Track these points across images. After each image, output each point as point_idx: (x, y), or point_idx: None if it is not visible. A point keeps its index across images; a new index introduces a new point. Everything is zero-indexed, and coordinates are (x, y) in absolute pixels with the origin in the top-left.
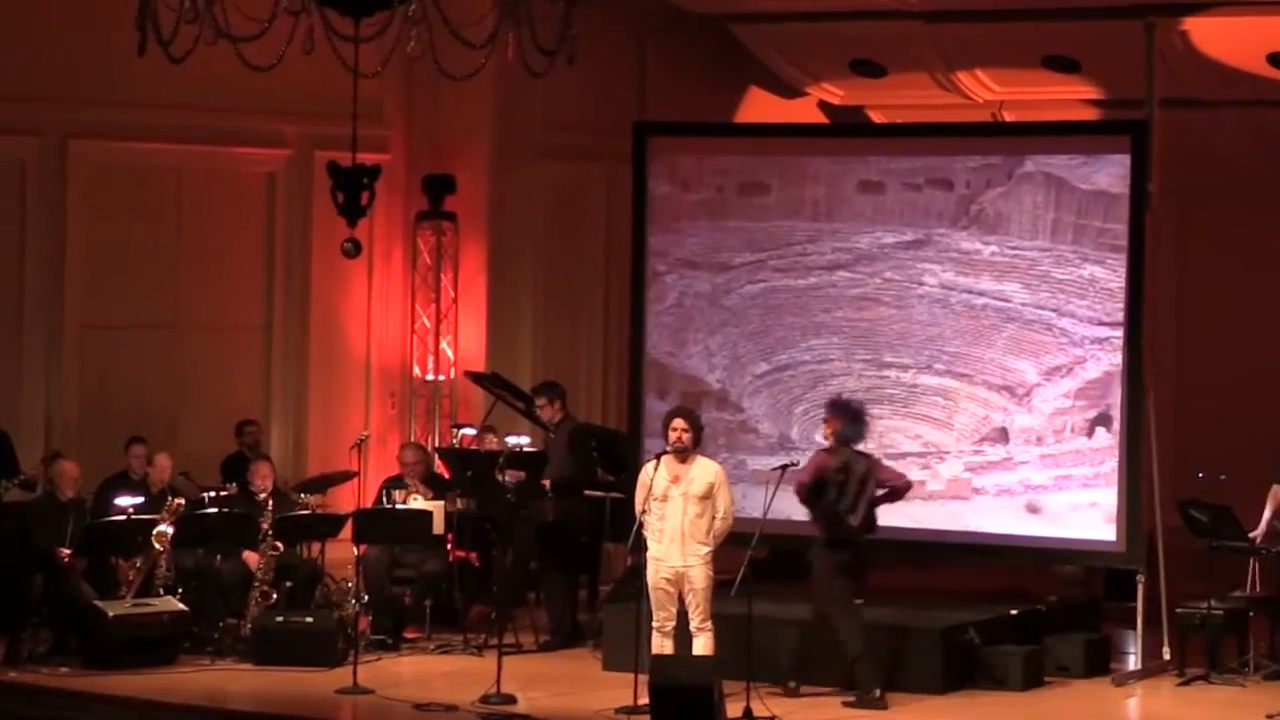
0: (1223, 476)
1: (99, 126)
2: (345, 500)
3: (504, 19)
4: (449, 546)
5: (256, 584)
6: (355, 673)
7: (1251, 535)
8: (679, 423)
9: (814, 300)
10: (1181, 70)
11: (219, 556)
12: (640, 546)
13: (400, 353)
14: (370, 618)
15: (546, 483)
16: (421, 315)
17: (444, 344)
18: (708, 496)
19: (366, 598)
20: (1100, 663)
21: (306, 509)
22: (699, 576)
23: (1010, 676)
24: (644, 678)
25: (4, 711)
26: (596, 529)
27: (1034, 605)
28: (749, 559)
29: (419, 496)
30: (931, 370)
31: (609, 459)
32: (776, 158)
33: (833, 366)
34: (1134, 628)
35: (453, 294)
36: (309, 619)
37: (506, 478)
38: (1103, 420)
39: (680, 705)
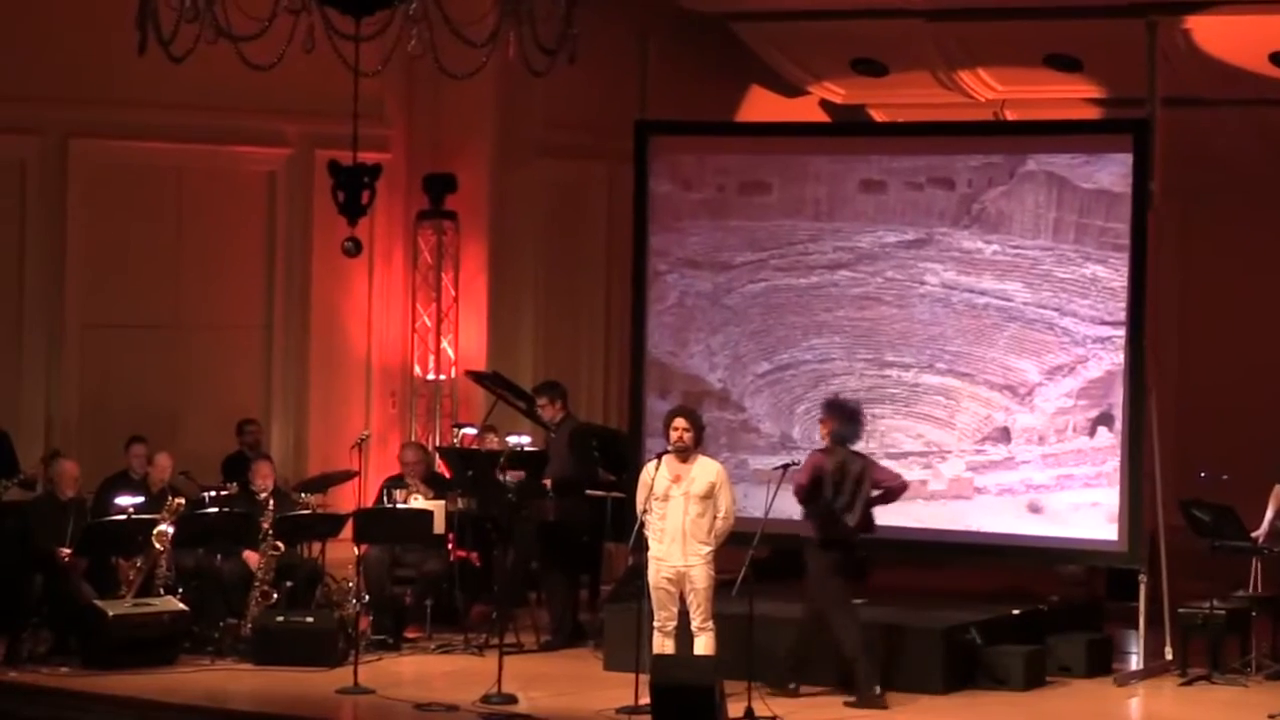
0: (1225, 476)
1: (99, 126)
2: (346, 500)
3: (505, 17)
4: (450, 546)
5: (257, 584)
6: (356, 673)
7: (1254, 535)
8: (680, 422)
9: (815, 299)
10: (1184, 69)
11: (219, 556)
12: (641, 546)
13: (401, 352)
14: (371, 617)
15: (547, 482)
16: (422, 314)
17: (445, 343)
18: (709, 496)
19: (367, 597)
20: (1102, 663)
21: (307, 509)
22: (700, 576)
23: (1012, 676)
24: (645, 678)
25: (4, 711)
26: (597, 529)
27: (1036, 605)
28: (750, 559)
29: (420, 496)
30: (933, 370)
31: (610, 459)
32: (778, 157)
33: (834, 366)
34: (1136, 628)
35: (453, 293)
36: (309, 619)
37: (507, 477)
38: (1105, 420)
39: (681, 705)
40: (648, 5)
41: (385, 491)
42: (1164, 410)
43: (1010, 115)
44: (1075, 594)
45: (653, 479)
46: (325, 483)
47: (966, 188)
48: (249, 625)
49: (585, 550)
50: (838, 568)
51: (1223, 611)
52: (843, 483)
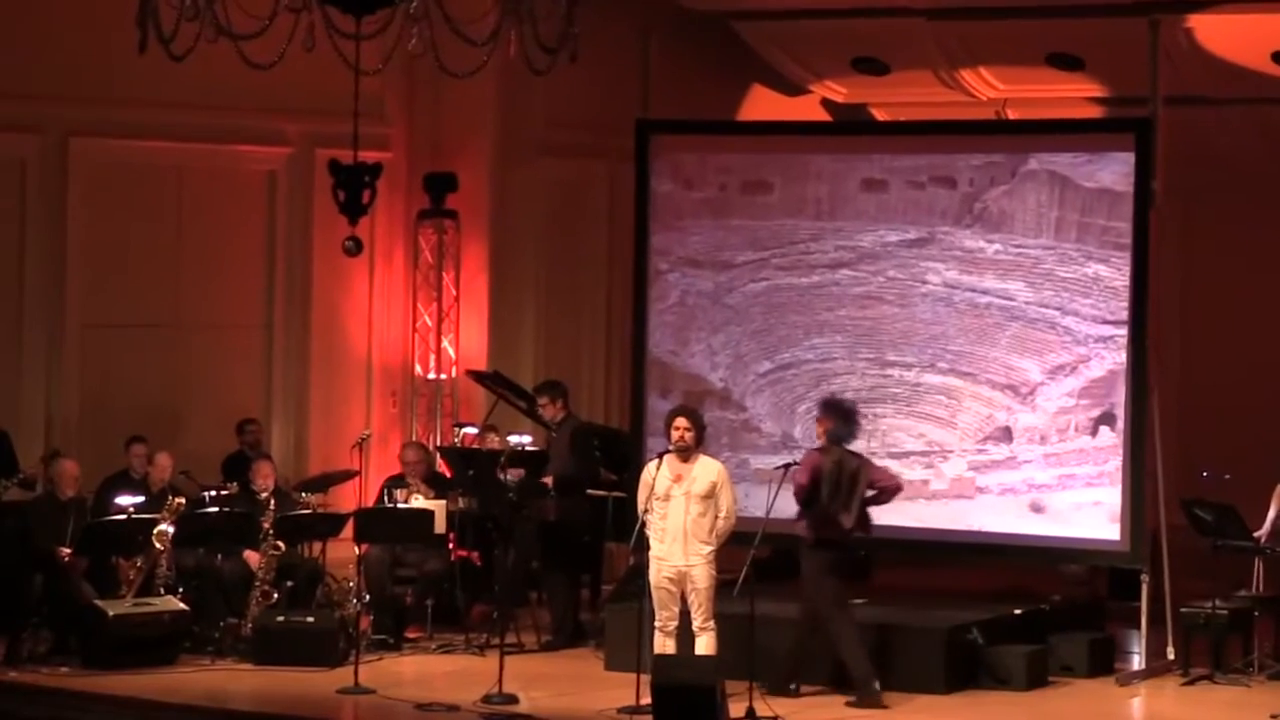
0: (1227, 475)
1: (100, 124)
2: (346, 499)
3: (506, 16)
4: (450, 546)
5: (257, 583)
6: (356, 673)
7: (1256, 534)
8: (681, 422)
9: (817, 299)
10: (1186, 68)
11: (220, 556)
12: (642, 546)
13: (402, 351)
14: (371, 617)
15: (548, 480)
16: (423, 314)
17: (445, 343)
18: (710, 496)
19: (368, 597)
20: (1104, 662)
21: (308, 508)
22: (701, 576)
23: (1014, 676)
24: (646, 678)
25: (4, 711)
26: (599, 528)
27: (1038, 605)
28: (751, 558)
29: (420, 496)
30: (935, 369)
31: (611, 458)
32: (779, 156)
33: (836, 365)
34: (1138, 627)
35: (454, 292)
36: (310, 619)
37: (508, 475)
38: (1107, 419)
39: (683, 705)
40: (649, 4)
41: (386, 491)
42: (1166, 409)
43: (1012, 114)
44: (1077, 593)
45: (654, 478)
46: (326, 482)
47: (968, 187)
48: (249, 625)
49: (586, 550)
50: (832, 568)
51: (1225, 611)
52: (839, 482)
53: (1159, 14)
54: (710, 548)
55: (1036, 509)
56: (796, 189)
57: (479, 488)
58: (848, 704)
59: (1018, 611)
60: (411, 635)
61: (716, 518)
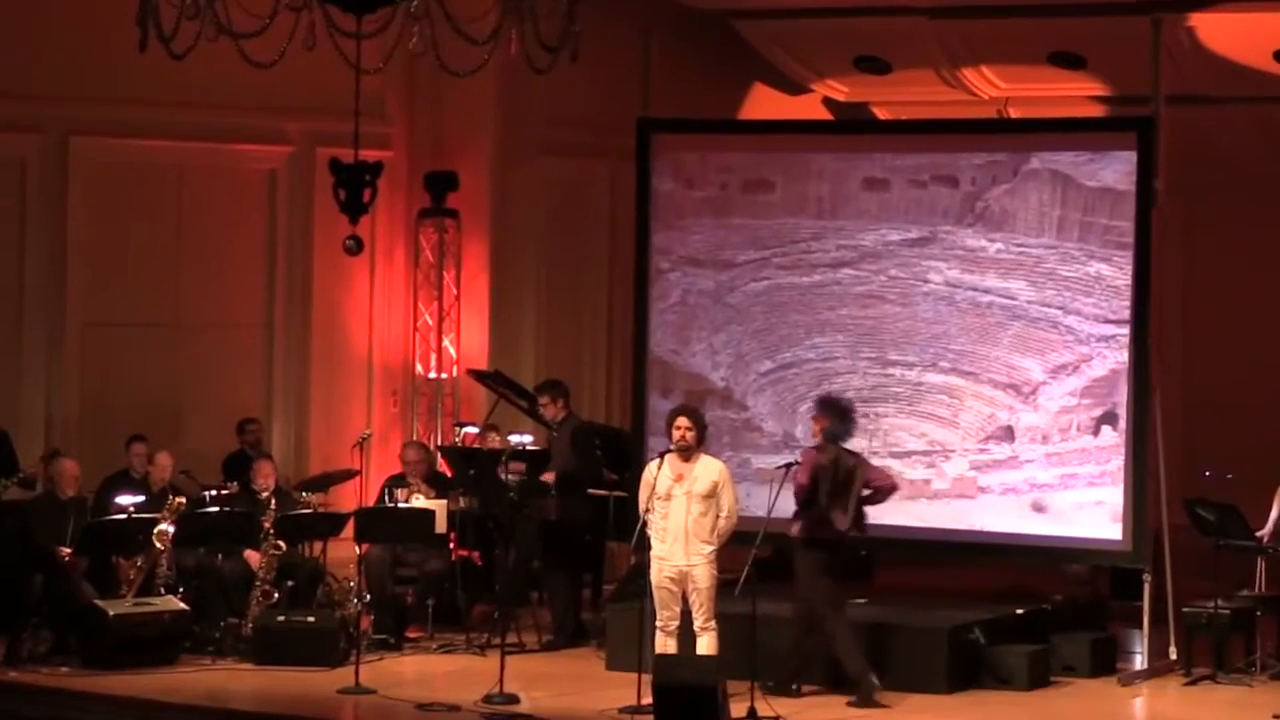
0: (1229, 475)
1: (100, 123)
2: (347, 499)
3: (507, 15)
4: (451, 545)
5: (258, 583)
6: (357, 672)
7: (1259, 534)
8: (682, 421)
9: (818, 298)
10: (1188, 67)
11: (220, 555)
12: (644, 545)
13: (402, 350)
14: (372, 617)
15: (549, 477)
16: (424, 313)
17: (446, 342)
18: (711, 495)
19: (368, 597)
20: (1106, 662)
21: (308, 508)
22: (702, 575)
23: (1016, 676)
24: (647, 677)
25: (4, 711)
26: (600, 528)
27: (1040, 604)
28: (753, 558)
29: (421, 495)
30: (937, 368)
31: (612, 457)
32: (781, 155)
33: (837, 364)
34: (1140, 627)
35: (455, 291)
36: (311, 618)
37: (509, 470)
38: (1109, 418)
39: (684, 705)
40: (650, 2)
41: (387, 490)
42: (1168, 409)
43: (1014, 113)
44: (1079, 593)
45: (655, 478)
46: (326, 482)
47: (970, 186)
48: (250, 625)
49: (587, 549)
50: (826, 568)
51: (1227, 611)
52: (836, 481)
53: (1161, 13)
54: (711, 547)
55: (1038, 508)
56: (798, 188)
57: (480, 487)
58: (849, 704)
59: (1020, 611)
60: (412, 635)
61: (718, 517)
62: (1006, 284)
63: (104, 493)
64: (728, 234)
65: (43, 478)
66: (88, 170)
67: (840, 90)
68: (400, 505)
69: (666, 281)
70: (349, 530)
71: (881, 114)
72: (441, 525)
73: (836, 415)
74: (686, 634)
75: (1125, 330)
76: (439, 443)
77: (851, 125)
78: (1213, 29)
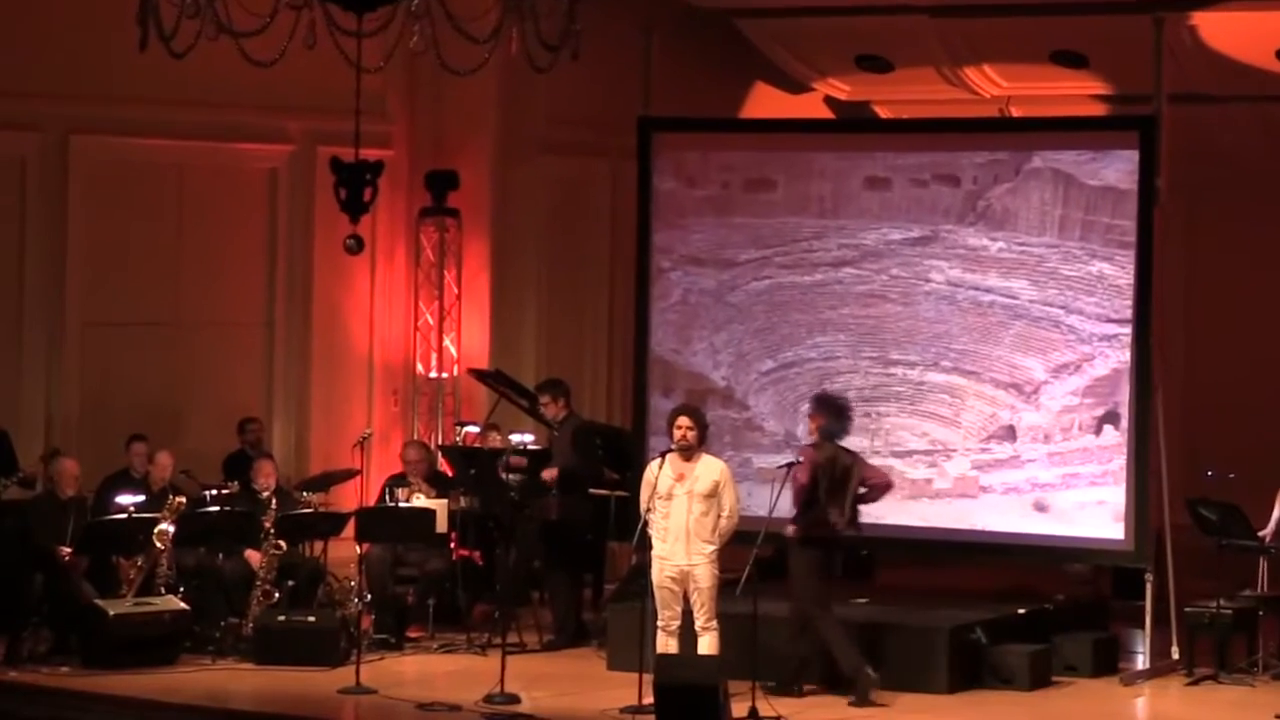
0: (1232, 475)
1: (100, 122)
2: (348, 498)
3: (508, 13)
4: (452, 545)
5: (258, 583)
6: (358, 672)
7: (1261, 534)
8: (684, 420)
9: (820, 297)
10: (1190, 65)
11: (221, 555)
12: (645, 545)
13: (403, 350)
14: (373, 617)
15: (549, 474)
16: (424, 312)
17: (447, 341)
18: (713, 495)
19: (369, 597)
20: (1108, 662)
21: (309, 507)
22: (704, 575)
23: (1018, 676)
24: (649, 677)
25: (4, 711)
26: (601, 527)
27: (1041, 604)
28: (754, 557)
29: (422, 495)
30: (938, 367)
31: (613, 457)
32: (782, 153)
33: (839, 364)
34: (1142, 627)
35: (456, 290)
36: (311, 618)
37: (510, 464)
38: (1111, 418)
39: (685, 705)
40: (651, 1)
41: (387, 490)
42: (1170, 408)
43: (1016, 112)
44: (1081, 593)
45: (656, 477)
46: (327, 481)
47: (972, 185)
48: (250, 625)
49: (588, 549)
50: (818, 567)
51: (1229, 611)
52: (833, 479)
53: (1163, 11)
54: (713, 547)
55: (1040, 508)
56: (799, 187)
57: (481, 487)
58: (849, 703)
59: (1021, 611)
60: (413, 635)
61: (719, 517)
62: (1008, 283)
63: (104, 492)
64: (729, 233)
65: (43, 477)
66: (88, 169)
67: (842, 89)
68: (401, 505)
69: (668, 280)
70: (350, 530)
71: (883, 113)
72: (442, 525)
73: (832, 413)
74: (688, 634)
75: (1127, 329)
76: (440, 442)
77: (853, 124)
78: (1215, 27)
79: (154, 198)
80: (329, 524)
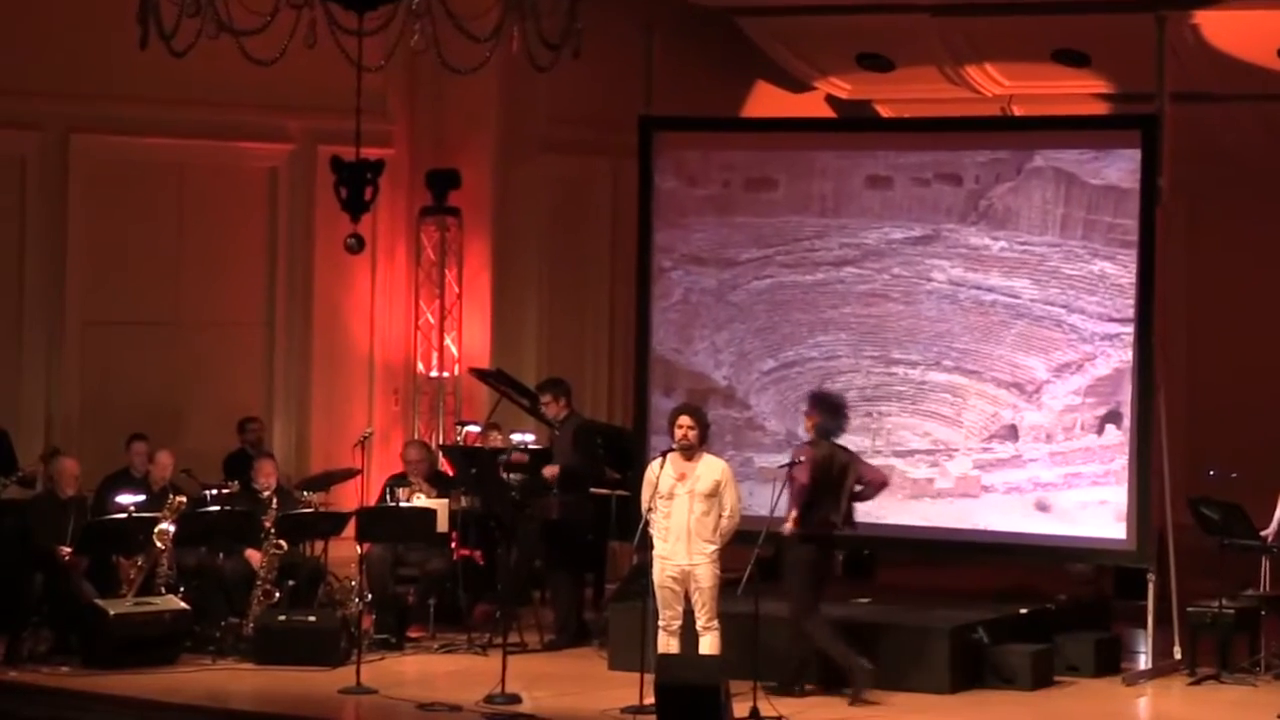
0: (1234, 474)
1: (100, 121)
2: (348, 498)
3: (509, 12)
4: (453, 545)
5: (259, 583)
6: (358, 672)
7: (1263, 533)
8: (685, 420)
9: (821, 296)
10: (1192, 64)
11: (221, 555)
12: (646, 545)
13: (404, 349)
14: (374, 617)
15: (549, 471)
16: (425, 311)
17: (448, 340)
18: (714, 494)
19: (370, 596)
20: (1110, 662)
21: (309, 507)
22: (705, 575)
23: (1019, 676)
24: (650, 677)
25: (4, 711)
26: (602, 527)
27: (1043, 604)
28: (756, 557)
29: (423, 494)
30: (940, 367)
31: (615, 456)
32: (783, 152)
33: (840, 363)
34: (1144, 627)
35: (457, 290)
36: (312, 618)
37: (511, 456)
38: (1113, 417)
39: (686, 705)
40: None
41: (388, 490)
42: (1172, 408)
43: (1018, 111)
44: (1083, 593)
45: (657, 477)
46: (328, 481)
47: (974, 184)
48: (251, 624)
49: (590, 549)
50: (813, 566)
51: (1232, 610)
52: (830, 477)
53: (1165, 10)
54: (714, 547)
55: (1042, 508)
56: (801, 186)
57: (482, 486)
58: (850, 703)
59: (1023, 611)
60: (414, 635)
61: (720, 516)
62: (1010, 282)
63: (104, 492)
64: (730, 232)
65: (42, 477)
66: (88, 168)
67: (843, 88)
68: (402, 504)
69: (669, 280)
70: (350, 529)
71: (885, 112)
72: (443, 524)
73: (828, 411)
74: (689, 634)
75: (1129, 329)
76: (440, 441)
77: (854, 123)
78: (1217, 26)
79: (154, 197)
80: (329, 523)
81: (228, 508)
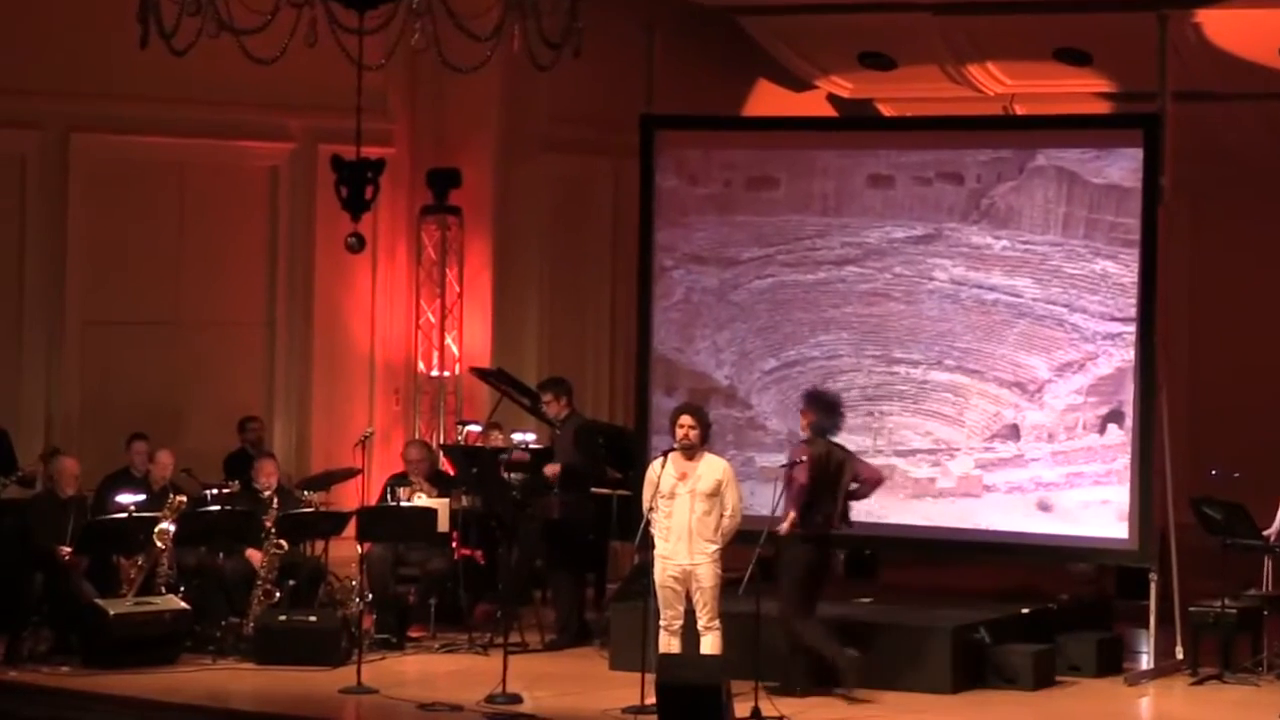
0: (1236, 474)
1: (100, 120)
2: (349, 498)
3: (509, 11)
4: (454, 544)
5: (259, 582)
6: (359, 672)
7: (1265, 533)
8: (686, 419)
9: (823, 295)
10: (1194, 63)
11: (221, 554)
12: (647, 544)
13: (405, 348)
14: (374, 616)
15: (550, 469)
16: (426, 310)
17: (449, 340)
18: (715, 494)
19: (370, 596)
20: (1112, 662)
21: (310, 506)
22: (706, 575)
23: (1021, 676)
24: (651, 677)
25: (4, 711)
26: (603, 527)
27: (1045, 604)
28: (757, 557)
29: (423, 494)
30: (942, 366)
31: (616, 456)
32: (785, 151)
33: (842, 362)
34: (1146, 627)
35: (457, 289)
36: (312, 618)
37: (512, 460)
38: (1115, 417)
39: (688, 705)
40: None
41: (389, 489)
42: (1175, 407)
43: (1019, 110)
44: (1085, 592)
45: (659, 476)
46: (328, 480)
47: (975, 183)
48: (251, 624)
49: (591, 548)
50: (808, 567)
51: (1234, 610)
52: (826, 476)
53: (1167, 9)
54: (715, 546)
55: (1044, 507)
56: (802, 185)
57: (482, 486)
58: (846, 697)
59: (1025, 611)
60: (414, 634)
61: (722, 516)
62: (1012, 281)
63: (104, 491)
64: (731, 231)
65: (42, 476)
66: (88, 167)
67: (845, 87)
68: (402, 504)
69: (670, 279)
70: (351, 529)
71: (886, 110)
72: (444, 524)
73: (823, 409)
74: (690, 633)
75: (1131, 328)
76: (441, 441)
77: (856, 122)
78: (1219, 25)
79: (154, 196)
80: (330, 523)
81: (228, 507)
